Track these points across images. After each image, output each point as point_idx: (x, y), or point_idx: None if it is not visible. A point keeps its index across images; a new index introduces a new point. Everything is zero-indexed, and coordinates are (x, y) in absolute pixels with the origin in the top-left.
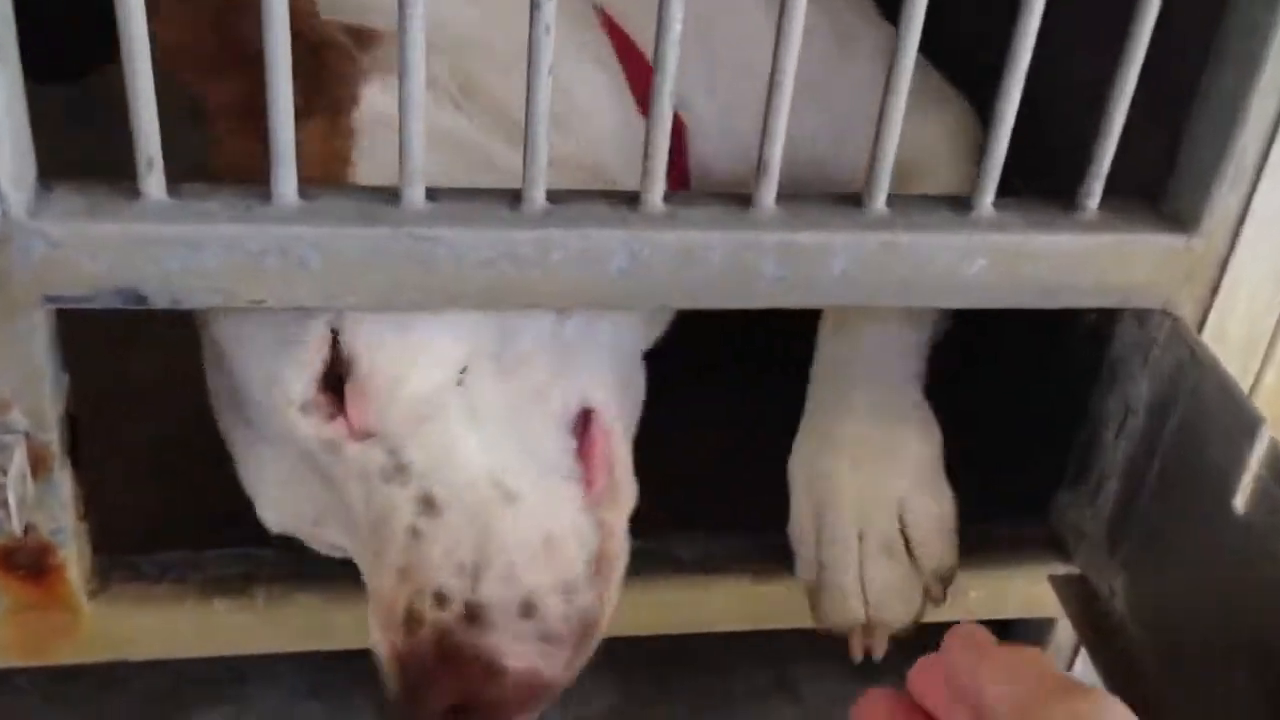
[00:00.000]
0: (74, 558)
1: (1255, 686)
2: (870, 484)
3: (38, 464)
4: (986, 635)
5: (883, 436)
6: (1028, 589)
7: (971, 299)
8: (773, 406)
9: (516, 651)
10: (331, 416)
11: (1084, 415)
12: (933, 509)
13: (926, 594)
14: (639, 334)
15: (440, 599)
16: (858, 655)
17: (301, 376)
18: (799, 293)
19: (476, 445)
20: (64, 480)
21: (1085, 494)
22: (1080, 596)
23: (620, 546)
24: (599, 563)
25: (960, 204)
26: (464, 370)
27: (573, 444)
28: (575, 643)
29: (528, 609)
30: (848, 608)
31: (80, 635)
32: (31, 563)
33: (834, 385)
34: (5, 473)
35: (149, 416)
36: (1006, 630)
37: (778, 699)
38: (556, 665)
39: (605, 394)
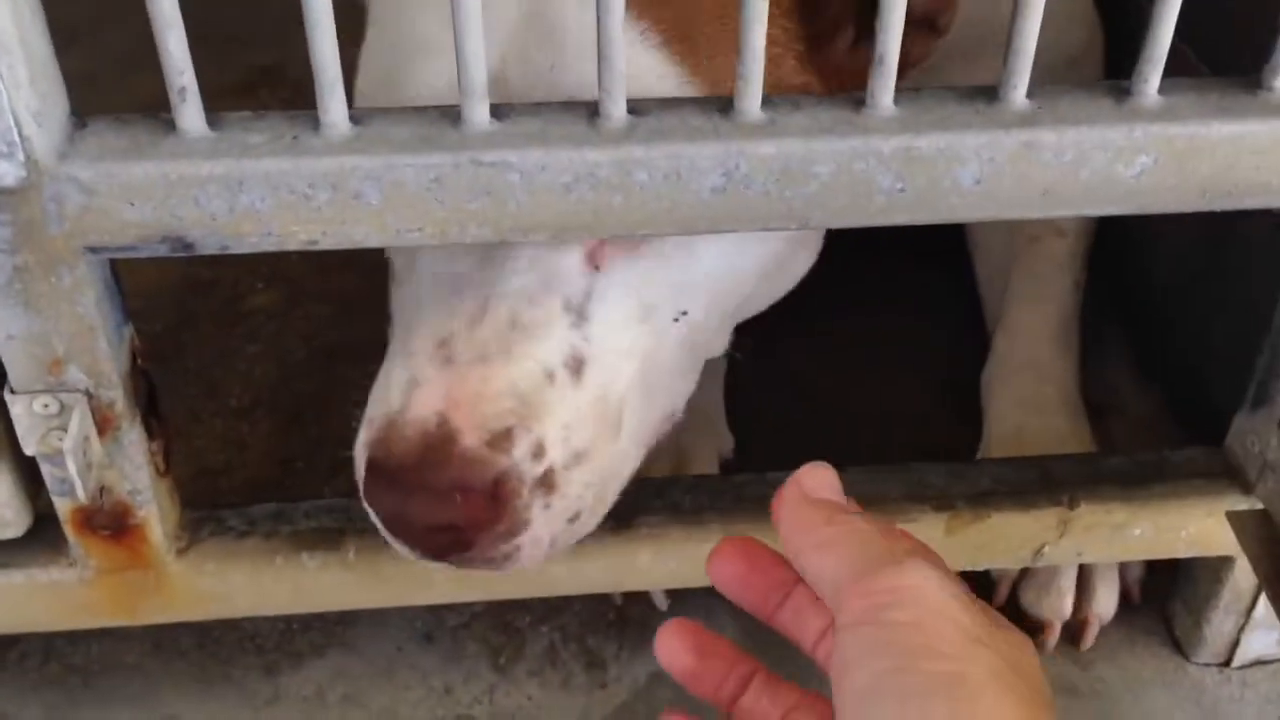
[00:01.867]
0: (155, 516)
1: None
2: None
3: (104, 423)
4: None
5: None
6: (1201, 525)
7: (1130, 204)
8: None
9: (539, 532)
10: None
11: (1266, 327)
12: None
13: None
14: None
15: (539, 452)
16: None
17: None
18: (922, 208)
19: (638, 368)
20: (134, 439)
21: (1268, 418)
22: (1262, 534)
23: None
24: None
25: (1118, 91)
26: (684, 313)
27: None
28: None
29: (574, 517)
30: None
31: (170, 594)
32: (112, 523)
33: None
34: (66, 434)
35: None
36: (1177, 568)
37: None
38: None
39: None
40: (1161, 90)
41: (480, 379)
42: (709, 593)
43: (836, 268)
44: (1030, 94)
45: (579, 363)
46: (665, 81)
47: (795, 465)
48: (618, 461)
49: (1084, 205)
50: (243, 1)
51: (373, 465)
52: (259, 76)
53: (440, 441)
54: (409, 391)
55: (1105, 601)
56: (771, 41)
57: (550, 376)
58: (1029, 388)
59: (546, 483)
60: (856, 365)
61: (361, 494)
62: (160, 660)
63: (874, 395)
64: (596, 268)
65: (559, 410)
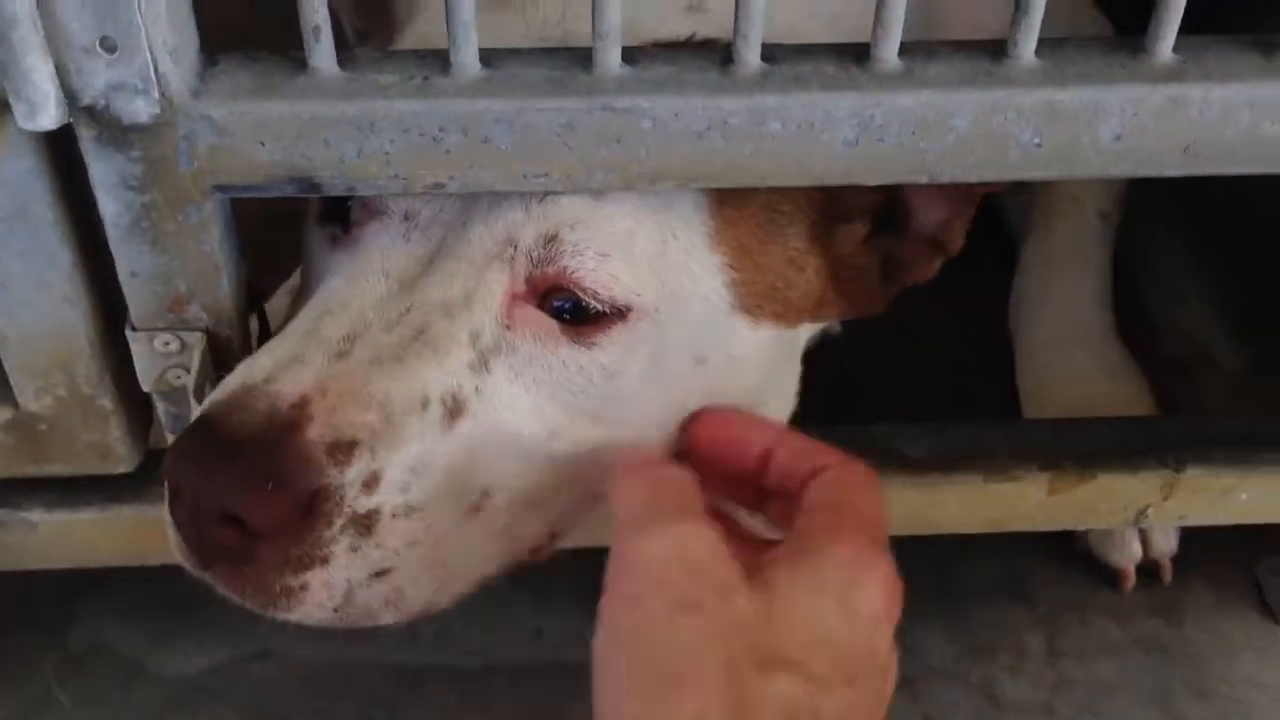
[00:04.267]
0: None
1: None
2: None
3: (220, 361)
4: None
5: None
6: None
7: (1274, 164)
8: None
9: (336, 576)
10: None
11: None
12: None
13: None
14: None
15: (372, 483)
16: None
17: None
18: (1059, 163)
19: (522, 465)
20: None
21: None
22: None
23: None
24: None
25: (1266, 45)
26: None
27: None
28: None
29: (382, 572)
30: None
31: None
32: None
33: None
34: (188, 372)
35: None
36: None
37: (1006, 598)
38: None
39: None
40: None
41: (362, 379)
42: None
43: None
44: (1175, 47)
45: (459, 408)
46: None
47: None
48: (461, 549)
49: (1226, 164)
50: None
51: (199, 423)
52: None
53: (285, 424)
54: (285, 367)
55: (1162, 542)
56: (785, 211)
57: (424, 405)
58: (1047, 322)
59: (365, 522)
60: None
61: (168, 456)
62: None
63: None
64: (509, 326)
65: (413, 446)
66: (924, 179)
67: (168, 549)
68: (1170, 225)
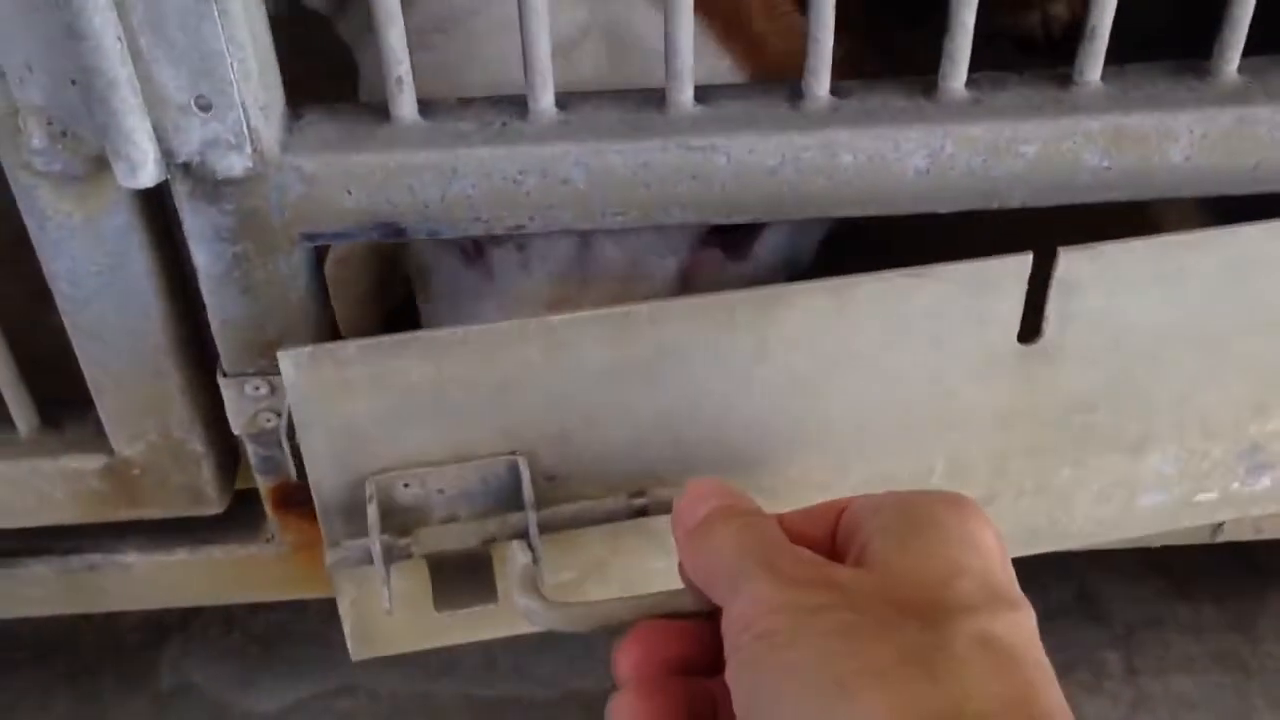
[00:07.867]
0: None
1: None
2: None
3: None
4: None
5: None
6: None
7: None
8: None
9: None
10: None
11: None
12: None
13: None
14: None
15: None
16: None
17: None
18: (1129, 186)
19: None
20: None
21: None
22: None
23: None
24: None
25: None
26: None
27: None
28: None
29: None
30: None
31: None
32: (310, 499)
33: None
34: (278, 416)
35: None
36: None
37: (1079, 616)
38: None
39: None
40: None
41: None
42: None
43: None
44: (1240, 69)
45: None
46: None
47: None
48: None
49: None
50: None
51: None
52: None
53: None
54: None
55: None
56: None
57: None
58: None
59: None
60: None
61: None
62: (337, 629)
63: None
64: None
65: None
66: (996, 203)
67: (259, 587)
68: None
